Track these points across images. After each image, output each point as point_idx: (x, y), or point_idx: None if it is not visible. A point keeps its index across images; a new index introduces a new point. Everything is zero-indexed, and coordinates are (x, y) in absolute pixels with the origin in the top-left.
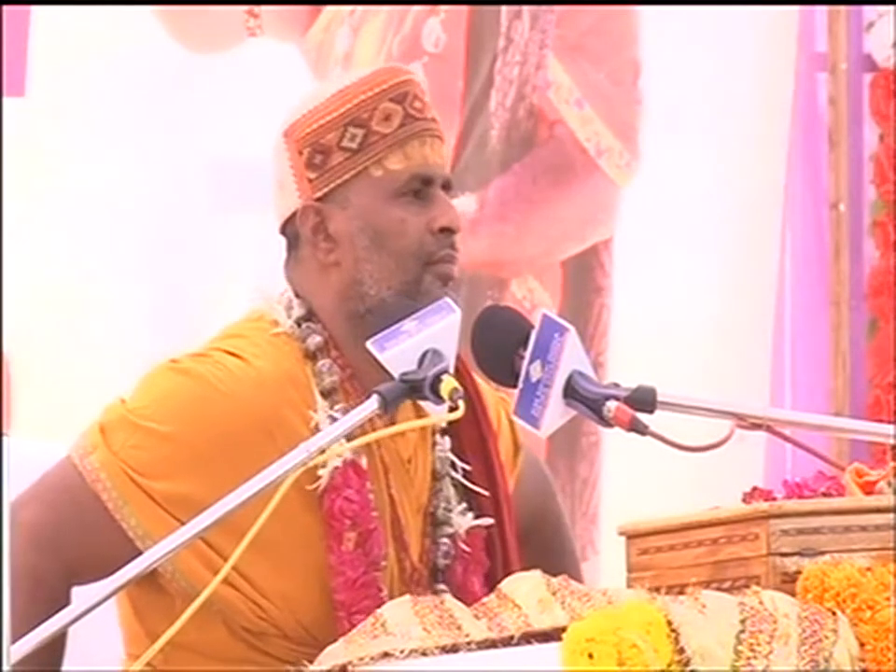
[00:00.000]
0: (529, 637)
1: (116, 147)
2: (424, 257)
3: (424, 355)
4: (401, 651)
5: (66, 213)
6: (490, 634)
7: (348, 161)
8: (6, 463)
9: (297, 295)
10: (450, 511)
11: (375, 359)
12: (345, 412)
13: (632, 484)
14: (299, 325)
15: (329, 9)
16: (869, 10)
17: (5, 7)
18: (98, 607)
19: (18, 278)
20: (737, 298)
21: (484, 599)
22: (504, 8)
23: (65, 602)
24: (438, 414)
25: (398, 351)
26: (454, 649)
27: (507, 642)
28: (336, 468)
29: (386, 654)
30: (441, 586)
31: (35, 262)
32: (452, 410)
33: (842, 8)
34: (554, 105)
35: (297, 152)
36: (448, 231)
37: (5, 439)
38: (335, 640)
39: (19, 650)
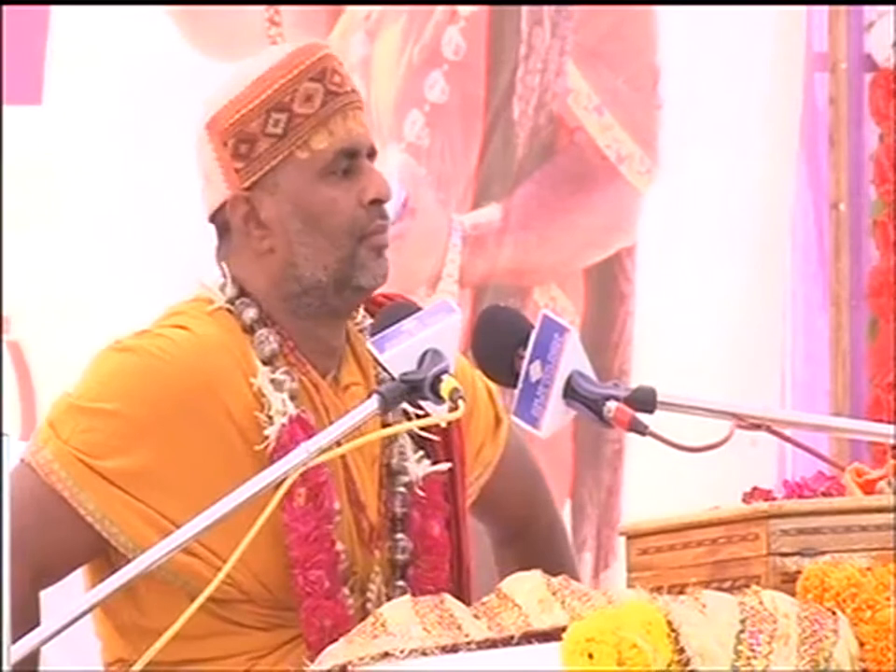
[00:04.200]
0: (529, 637)
1: (131, 153)
2: (357, 232)
3: (424, 355)
4: (401, 651)
5: (77, 217)
6: (490, 634)
7: (274, 147)
8: (6, 463)
9: (231, 280)
10: (405, 460)
11: (315, 334)
12: (287, 374)
13: (654, 491)
14: (232, 303)
15: (345, 16)
16: (869, 10)
17: (21, 11)
18: (81, 618)
19: (27, 280)
20: (757, 301)
21: (484, 599)
22: (525, 14)
23: (36, 607)
24: (438, 414)
25: (398, 351)
26: (454, 649)
27: (507, 642)
28: (283, 425)
29: (386, 654)
30: (400, 535)
31: (48, 265)
32: (452, 410)
33: (842, 8)
34: (574, 112)
35: (221, 143)
36: (378, 202)
37: (5, 439)
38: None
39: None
